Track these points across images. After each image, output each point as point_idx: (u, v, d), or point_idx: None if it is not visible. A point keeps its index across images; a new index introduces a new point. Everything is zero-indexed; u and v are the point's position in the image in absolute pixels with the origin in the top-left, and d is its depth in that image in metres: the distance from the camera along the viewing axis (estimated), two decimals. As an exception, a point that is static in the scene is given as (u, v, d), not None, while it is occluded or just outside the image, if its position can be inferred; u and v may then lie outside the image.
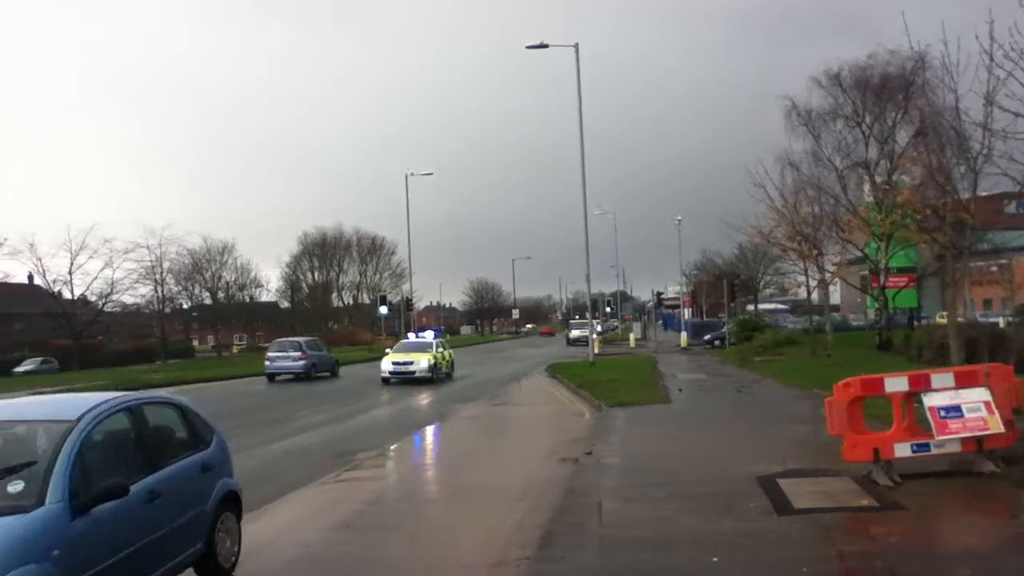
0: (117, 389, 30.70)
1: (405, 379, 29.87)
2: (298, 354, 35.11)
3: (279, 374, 35.01)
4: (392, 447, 15.36)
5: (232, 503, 7.35)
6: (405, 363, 30.43)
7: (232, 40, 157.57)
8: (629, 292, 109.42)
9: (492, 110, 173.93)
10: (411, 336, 36.28)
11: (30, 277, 61.23)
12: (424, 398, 25.26)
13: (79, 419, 5.59)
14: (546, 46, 33.62)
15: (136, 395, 6.95)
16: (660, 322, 78.12)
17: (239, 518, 7.50)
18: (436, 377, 30.60)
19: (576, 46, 34.20)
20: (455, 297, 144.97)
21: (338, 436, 17.32)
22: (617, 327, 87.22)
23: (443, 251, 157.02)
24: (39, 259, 56.26)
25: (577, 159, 34.94)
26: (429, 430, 17.89)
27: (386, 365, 30.79)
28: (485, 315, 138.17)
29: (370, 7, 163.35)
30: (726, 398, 20.99)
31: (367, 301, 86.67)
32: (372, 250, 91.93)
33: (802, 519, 8.02)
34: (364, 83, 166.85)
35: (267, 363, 35.79)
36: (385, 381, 30.09)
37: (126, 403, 6.37)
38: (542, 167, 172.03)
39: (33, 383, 37.06)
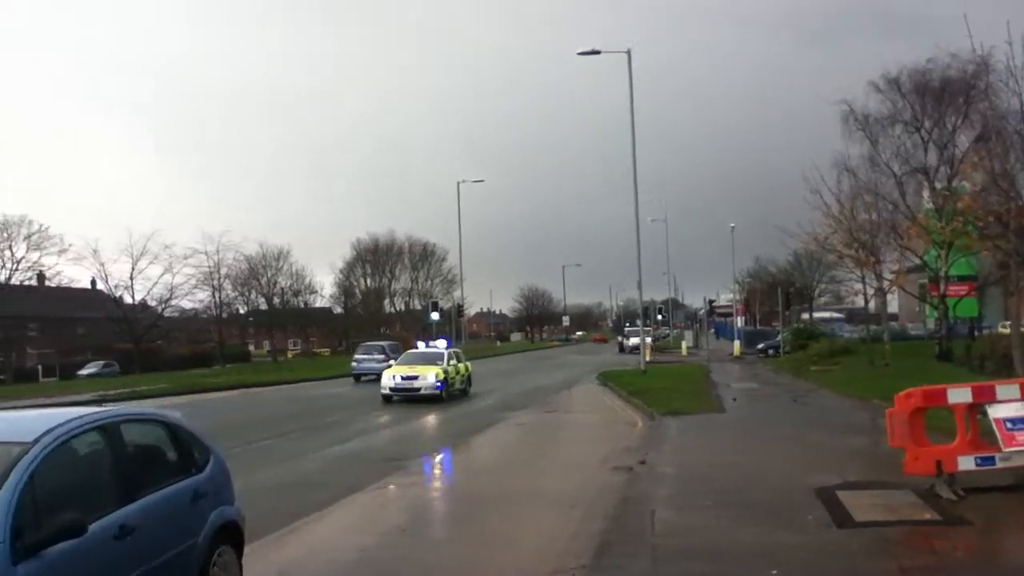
0: (179, 393, 31.61)
1: (409, 397, 25.48)
2: (382, 356, 37.98)
3: (365, 375, 37.23)
4: (446, 453, 15.50)
5: (230, 534, 6.43)
6: (408, 378, 25.76)
7: (303, 44, 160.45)
8: (680, 299, 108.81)
9: (541, 115, 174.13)
10: (420, 346, 31.33)
11: (93, 282, 63.24)
12: (477, 405, 25.42)
13: (35, 441, 4.68)
14: (597, 52, 33.50)
15: (115, 411, 5.92)
16: (712, 330, 77.37)
17: (240, 552, 6.63)
18: (447, 394, 26.16)
19: (628, 52, 34.10)
20: (505, 304, 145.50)
21: (393, 440, 17.56)
22: (668, 335, 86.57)
23: (493, 258, 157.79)
24: (102, 264, 58.14)
25: (628, 164, 34.85)
26: (481, 436, 17.96)
27: (387, 380, 26.15)
28: (535, 322, 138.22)
29: (443, 17, 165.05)
30: (781, 408, 20.73)
31: (418, 307, 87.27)
32: (423, 256, 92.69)
33: (863, 532, 7.89)
34: (412, 88, 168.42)
35: (354, 364, 38.89)
36: (386, 399, 25.61)
37: (99, 421, 5.42)
38: (592, 173, 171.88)
39: (96, 386, 38.12)
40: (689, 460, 13.00)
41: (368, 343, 43.94)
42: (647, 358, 38.24)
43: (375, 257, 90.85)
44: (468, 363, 30.05)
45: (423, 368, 26.17)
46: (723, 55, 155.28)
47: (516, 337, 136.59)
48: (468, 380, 29.20)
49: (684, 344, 63.38)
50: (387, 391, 25.77)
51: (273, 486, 12.03)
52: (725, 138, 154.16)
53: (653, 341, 63.60)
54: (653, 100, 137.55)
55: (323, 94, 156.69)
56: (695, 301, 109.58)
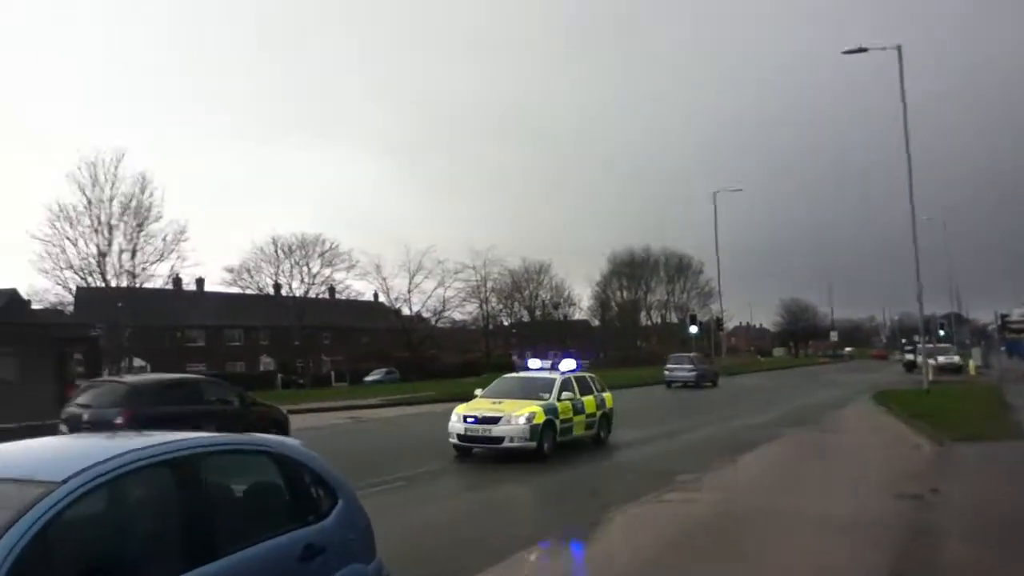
0: (444, 400, 33.58)
1: (487, 451, 16.37)
2: (690, 366, 44.49)
3: (675, 382, 43.39)
4: (717, 468, 15.40)
5: None
6: (486, 420, 16.15)
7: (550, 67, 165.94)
8: (964, 314, 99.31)
9: (801, 121, 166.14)
10: (530, 366, 20.87)
11: (375, 295, 69.42)
12: (757, 419, 24.80)
13: (64, 481, 3.53)
14: (864, 50, 31.80)
15: (196, 440, 4.38)
16: (1004, 348, 70.11)
17: None
18: (549, 447, 16.29)
19: (899, 48, 32.15)
20: (766, 317, 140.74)
21: (663, 452, 17.72)
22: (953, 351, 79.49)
23: (753, 270, 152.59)
24: (383, 279, 63.81)
25: (899, 169, 32.61)
26: (751, 453, 17.56)
27: (456, 424, 16.60)
28: (799, 336, 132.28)
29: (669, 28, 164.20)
30: (1097, 437, 18.44)
31: (674, 320, 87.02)
32: (679, 269, 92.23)
33: None
34: (668, 101, 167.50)
35: (666, 373, 44.59)
36: (459, 452, 16.61)
37: (168, 454, 4.07)
38: (857, 179, 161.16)
39: (379, 392, 41.70)
40: (988, 490, 12.03)
41: (678, 355, 49.33)
42: (930, 377, 35.48)
43: (631, 270, 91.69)
44: (608, 393, 19.88)
45: (513, 405, 16.57)
46: (998, 44, 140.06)
47: (778, 352, 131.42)
48: (606, 422, 19.20)
49: (972, 363, 57.85)
50: (455, 440, 16.62)
51: (556, 491, 12.66)
52: (1008, 135, 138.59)
53: (956, 354, 58.67)
54: (925, 98, 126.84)
55: (580, 109, 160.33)
56: (981, 316, 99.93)
